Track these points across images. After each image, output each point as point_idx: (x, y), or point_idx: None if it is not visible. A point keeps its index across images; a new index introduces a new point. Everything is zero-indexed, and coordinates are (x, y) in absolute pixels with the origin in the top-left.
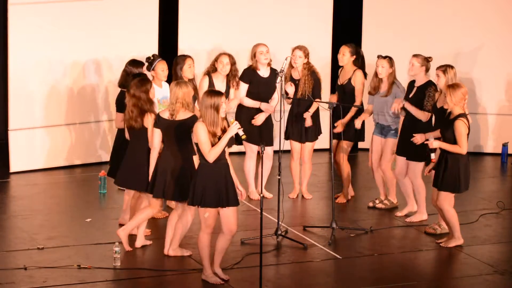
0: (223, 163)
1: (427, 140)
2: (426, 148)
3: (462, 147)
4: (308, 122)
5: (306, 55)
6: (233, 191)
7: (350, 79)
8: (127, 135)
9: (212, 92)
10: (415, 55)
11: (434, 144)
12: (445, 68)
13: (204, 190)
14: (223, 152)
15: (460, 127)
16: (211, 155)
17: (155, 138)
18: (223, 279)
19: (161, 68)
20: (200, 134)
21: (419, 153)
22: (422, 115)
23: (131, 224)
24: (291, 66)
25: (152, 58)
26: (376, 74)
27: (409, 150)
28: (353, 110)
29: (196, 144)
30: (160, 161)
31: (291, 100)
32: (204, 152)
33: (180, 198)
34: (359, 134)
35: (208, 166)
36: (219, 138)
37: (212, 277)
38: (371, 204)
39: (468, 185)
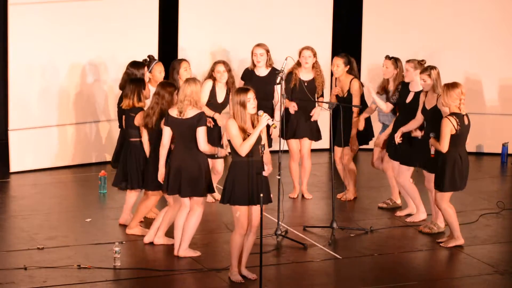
0: (255, 161)
1: (431, 136)
2: (409, 149)
3: (441, 145)
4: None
5: (314, 54)
6: (266, 189)
7: (349, 90)
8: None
9: (240, 89)
10: (408, 61)
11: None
12: (429, 72)
13: (233, 187)
14: (256, 149)
15: (444, 125)
16: (243, 149)
17: (165, 136)
18: (250, 278)
19: (159, 70)
20: (231, 129)
21: (408, 157)
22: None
23: (163, 230)
24: (299, 65)
25: (149, 59)
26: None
27: (400, 153)
28: (355, 115)
29: (229, 141)
30: (173, 159)
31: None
32: (236, 146)
33: (195, 195)
34: (364, 137)
35: (240, 164)
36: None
37: (235, 274)
38: (384, 206)
39: (458, 185)
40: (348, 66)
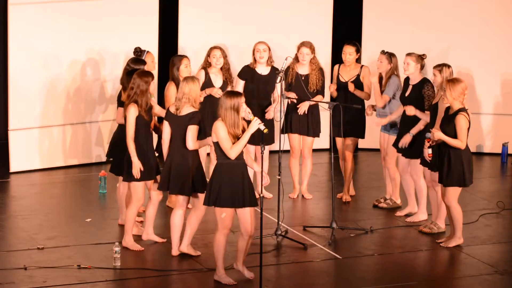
0: (240, 163)
1: (426, 137)
2: (422, 144)
3: (462, 141)
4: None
5: (313, 50)
6: (251, 191)
7: (358, 75)
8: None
9: (231, 93)
10: (408, 54)
11: (436, 135)
12: (441, 68)
13: (220, 190)
14: (241, 151)
15: (461, 121)
16: (233, 152)
17: (164, 131)
18: (248, 278)
19: (151, 59)
20: (220, 132)
21: (417, 150)
22: (426, 117)
23: (128, 228)
24: (297, 61)
25: (139, 52)
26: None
27: (407, 147)
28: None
29: (214, 143)
30: (168, 156)
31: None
32: (226, 149)
33: (181, 193)
34: (361, 130)
35: (225, 166)
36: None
37: (225, 277)
38: (376, 203)
39: (472, 179)
40: (359, 54)
